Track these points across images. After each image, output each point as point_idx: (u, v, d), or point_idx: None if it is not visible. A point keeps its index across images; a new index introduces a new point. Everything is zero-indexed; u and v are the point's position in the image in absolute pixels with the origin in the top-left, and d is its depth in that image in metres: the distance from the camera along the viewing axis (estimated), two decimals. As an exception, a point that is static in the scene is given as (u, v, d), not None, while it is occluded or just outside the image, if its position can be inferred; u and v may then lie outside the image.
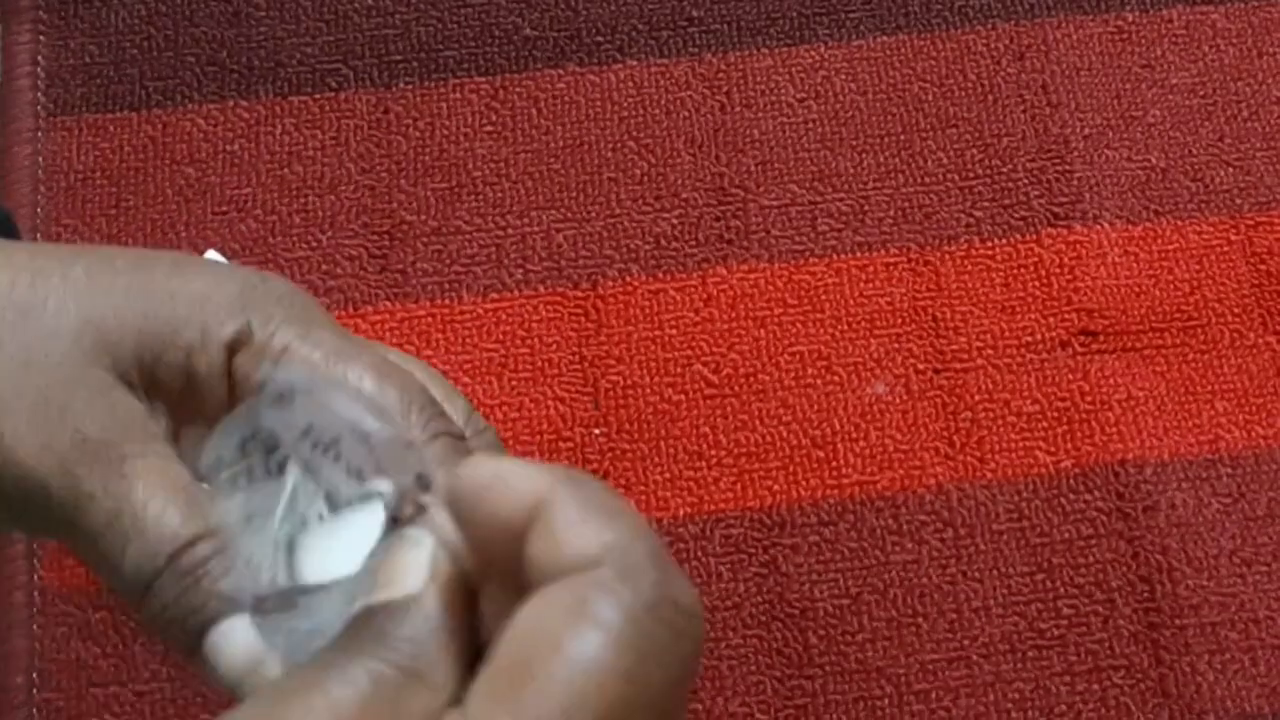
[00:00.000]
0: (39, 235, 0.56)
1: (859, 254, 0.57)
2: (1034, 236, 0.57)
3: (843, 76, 0.60)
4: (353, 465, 0.27)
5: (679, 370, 0.55)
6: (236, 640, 0.30)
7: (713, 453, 0.54)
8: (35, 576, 0.52)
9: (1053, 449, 0.54)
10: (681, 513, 0.53)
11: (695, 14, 0.61)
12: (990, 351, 0.56)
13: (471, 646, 0.26)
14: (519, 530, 0.24)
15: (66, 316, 0.33)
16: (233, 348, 0.32)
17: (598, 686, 0.23)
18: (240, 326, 0.32)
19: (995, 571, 0.53)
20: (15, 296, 0.32)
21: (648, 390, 0.55)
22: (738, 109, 0.59)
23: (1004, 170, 0.58)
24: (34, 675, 0.51)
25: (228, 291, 0.32)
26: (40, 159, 0.57)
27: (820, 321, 0.56)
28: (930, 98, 0.60)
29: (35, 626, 0.52)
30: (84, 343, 0.32)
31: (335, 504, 0.27)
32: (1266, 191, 0.58)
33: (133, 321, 0.32)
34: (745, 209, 0.58)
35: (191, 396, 0.32)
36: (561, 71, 0.60)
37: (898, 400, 0.55)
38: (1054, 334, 0.56)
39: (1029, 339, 0.56)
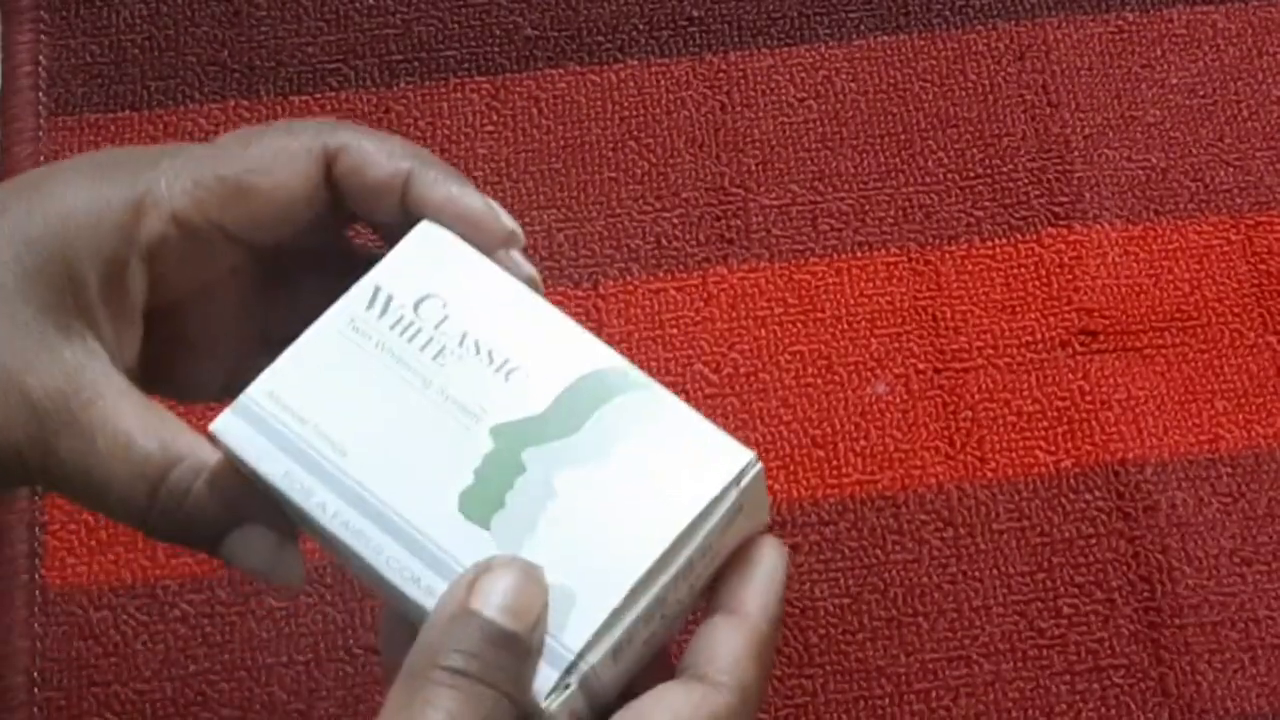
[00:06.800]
0: (40, 235, 0.56)
1: (859, 254, 0.57)
2: (1034, 236, 0.57)
3: (843, 76, 0.60)
4: None
5: (679, 370, 0.55)
6: (252, 546, 0.34)
7: (713, 452, 0.54)
8: (35, 576, 0.52)
9: (1053, 449, 0.54)
10: (682, 512, 0.53)
11: (695, 14, 0.61)
12: (990, 351, 0.56)
13: None
14: None
15: None
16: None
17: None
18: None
19: (995, 571, 0.53)
20: None
21: (648, 390, 0.55)
22: (738, 109, 0.59)
23: (1004, 170, 0.58)
24: (34, 675, 0.51)
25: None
26: (41, 158, 0.58)
27: (820, 321, 0.56)
28: (930, 98, 0.60)
29: (36, 626, 0.52)
30: (13, 283, 0.34)
31: None
32: (1266, 191, 0.58)
33: (49, 241, 0.34)
34: (745, 208, 0.58)
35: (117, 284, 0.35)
36: (562, 71, 0.60)
37: (898, 400, 0.55)
38: (1054, 334, 0.56)
39: (1029, 339, 0.56)
